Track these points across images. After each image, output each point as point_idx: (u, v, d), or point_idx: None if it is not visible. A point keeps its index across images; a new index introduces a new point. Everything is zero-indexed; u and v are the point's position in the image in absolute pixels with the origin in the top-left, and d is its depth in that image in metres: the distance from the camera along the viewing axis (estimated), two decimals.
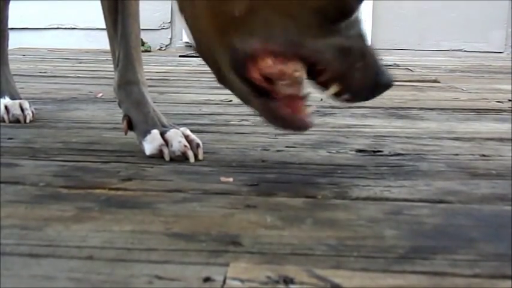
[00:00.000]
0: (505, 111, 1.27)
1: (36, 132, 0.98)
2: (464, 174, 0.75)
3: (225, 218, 0.59)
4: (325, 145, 0.91)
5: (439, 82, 1.85)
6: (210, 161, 0.81)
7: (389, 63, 2.57)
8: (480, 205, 0.64)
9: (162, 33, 3.40)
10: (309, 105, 0.68)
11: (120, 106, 0.91)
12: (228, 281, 0.45)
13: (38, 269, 0.47)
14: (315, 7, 0.59)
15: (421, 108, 1.29)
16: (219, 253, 0.50)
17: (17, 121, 1.04)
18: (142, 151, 0.83)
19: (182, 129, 0.84)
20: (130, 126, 0.87)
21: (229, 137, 0.97)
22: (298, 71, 0.63)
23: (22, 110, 1.06)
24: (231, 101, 1.31)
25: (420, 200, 0.65)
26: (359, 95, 0.67)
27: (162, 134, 0.83)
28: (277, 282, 0.45)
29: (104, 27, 0.93)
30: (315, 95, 0.70)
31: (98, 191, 0.67)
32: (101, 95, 1.42)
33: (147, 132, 0.83)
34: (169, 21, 3.37)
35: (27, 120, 1.05)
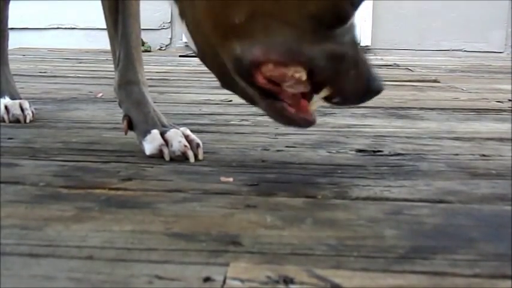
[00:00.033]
0: (505, 111, 1.27)
1: (36, 132, 0.98)
2: (464, 174, 0.75)
3: (225, 218, 0.59)
4: (325, 145, 0.91)
5: (439, 82, 1.85)
6: (210, 161, 0.81)
7: (389, 63, 2.57)
8: (480, 205, 0.64)
9: (162, 33, 3.40)
10: (312, 103, 0.69)
11: (120, 106, 0.91)
12: (228, 281, 0.45)
13: (38, 269, 0.47)
14: (312, 14, 0.60)
15: (421, 108, 1.29)
16: (219, 253, 0.50)
17: (17, 121, 1.04)
18: (142, 151, 0.83)
19: (182, 129, 0.84)
20: (131, 126, 0.87)
21: (229, 137, 0.97)
22: (299, 72, 0.64)
23: (22, 110, 1.06)
24: (231, 101, 1.32)
25: (420, 200, 0.65)
26: (349, 100, 0.69)
27: (162, 134, 0.83)
28: (277, 282, 0.45)
29: (104, 27, 0.93)
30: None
31: (98, 191, 0.67)
32: (101, 95, 1.42)
33: (147, 132, 0.84)
34: (169, 21, 3.37)
35: (27, 120, 1.05)
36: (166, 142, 0.82)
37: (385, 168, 0.78)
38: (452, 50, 3.36)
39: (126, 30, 0.91)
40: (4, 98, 1.08)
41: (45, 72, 1.99)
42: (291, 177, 0.74)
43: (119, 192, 0.67)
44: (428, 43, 3.39)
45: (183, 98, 1.42)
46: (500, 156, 0.86)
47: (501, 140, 0.96)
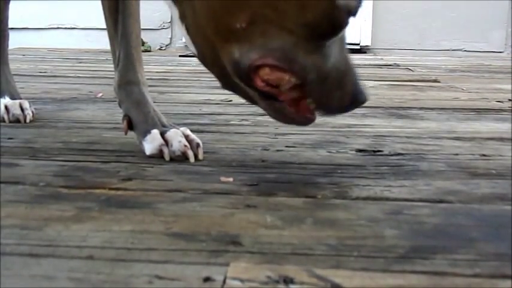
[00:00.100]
0: (505, 110, 1.27)
1: (36, 132, 0.98)
2: (464, 174, 0.75)
3: (225, 218, 0.59)
4: (325, 145, 0.91)
5: (439, 82, 1.85)
6: (210, 160, 0.81)
7: (389, 63, 2.57)
8: (480, 205, 0.64)
9: (162, 33, 3.40)
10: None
11: (120, 106, 0.91)
12: (228, 281, 0.45)
13: (38, 269, 0.47)
14: (309, 22, 0.61)
15: (421, 108, 1.29)
16: (219, 253, 0.50)
17: (17, 121, 1.04)
18: (142, 151, 0.83)
19: (182, 129, 0.84)
20: (131, 126, 0.87)
21: (229, 136, 0.97)
22: (294, 77, 0.66)
23: (22, 109, 1.06)
24: (231, 100, 1.32)
25: (420, 200, 0.65)
26: (331, 111, 0.72)
27: (162, 134, 0.83)
28: (277, 282, 0.45)
29: (104, 27, 0.93)
30: None
31: (98, 191, 0.67)
32: (101, 95, 1.42)
33: (147, 132, 0.84)
34: (169, 21, 3.37)
35: (27, 120, 1.05)
36: (166, 142, 0.82)
37: (385, 168, 0.78)
38: (452, 50, 3.36)
39: (126, 30, 0.91)
40: (4, 98, 1.08)
41: (45, 72, 1.99)
42: (291, 177, 0.74)
43: (119, 192, 0.67)
44: (428, 43, 3.39)
45: (183, 97, 1.42)
46: (500, 156, 0.86)
47: (501, 139, 0.96)
